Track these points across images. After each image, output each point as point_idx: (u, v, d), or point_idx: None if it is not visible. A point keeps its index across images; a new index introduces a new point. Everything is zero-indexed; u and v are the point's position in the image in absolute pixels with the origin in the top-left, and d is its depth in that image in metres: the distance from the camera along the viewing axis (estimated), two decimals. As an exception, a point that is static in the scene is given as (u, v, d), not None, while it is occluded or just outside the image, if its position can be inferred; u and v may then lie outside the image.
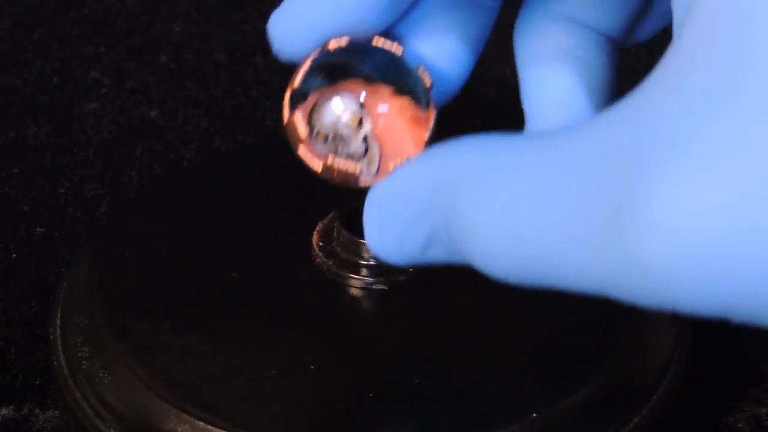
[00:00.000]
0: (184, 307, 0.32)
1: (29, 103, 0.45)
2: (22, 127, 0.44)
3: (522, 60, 0.29)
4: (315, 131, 0.29)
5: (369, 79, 0.29)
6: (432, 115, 0.29)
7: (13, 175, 0.42)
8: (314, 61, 0.28)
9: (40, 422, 0.33)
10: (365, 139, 0.29)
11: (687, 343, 0.32)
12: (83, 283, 0.33)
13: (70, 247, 0.39)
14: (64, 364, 0.31)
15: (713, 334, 0.36)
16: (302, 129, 0.28)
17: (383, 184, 0.28)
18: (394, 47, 0.29)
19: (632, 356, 0.31)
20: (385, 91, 0.29)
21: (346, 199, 0.33)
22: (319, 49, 0.28)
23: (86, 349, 0.31)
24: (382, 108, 0.29)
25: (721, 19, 0.22)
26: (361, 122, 0.29)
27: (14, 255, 0.38)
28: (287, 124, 0.28)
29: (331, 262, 0.32)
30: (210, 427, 0.28)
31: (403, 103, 0.29)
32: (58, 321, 0.32)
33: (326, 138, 0.29)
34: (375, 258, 0.32)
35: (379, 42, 0.29)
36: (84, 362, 0.31)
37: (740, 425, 0.33)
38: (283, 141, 0.41)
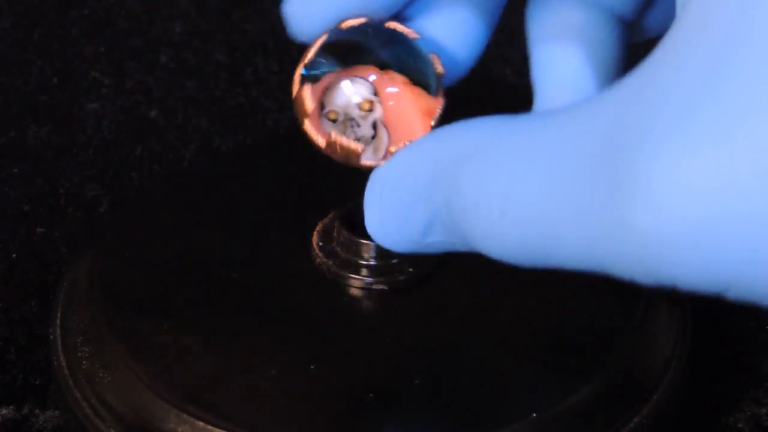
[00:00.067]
0: (184, 307, 0.32)
1: (29, 103, 0.45)
2: (22, 127, 0.44)
3: (533, 39, 0.29)
4: (326, 111, 0.29)
5: (381, 64, 0.29)
6: (441, 103, 0.29)
7: (13, 175, 0.42)
8: (328, 37, 0.28)
9: (40, 422, 0.33)
10: (374, 124, 0.29)
11: (687, 343, 0.32)
12: (83, 283, 0.33)
13: (70, 247, 0.39)
14: (64, 364, 0.31)
15: (713, 334, 0.36)
16: (309, 104, 0.28)
17: (384, 165, 0.28)
18: (409, 32, 0.29)
19: (632, 356, 0.31)
20: (397, 76, 0.29)
21: (346, 199, 0.33)
22: (333, 28, 0.28)
23: (86, 349, 0.31)
24: (392, 94, 0.29)
25: None
26: (372, 107, 0.29)
27: (14, 255, 0.38)
28: (295, 97, 0.28)
29: (331, 262, 0.32)
30: (210, 427, 0.28)
31: (414, 89, 0.29)
32: (58, 321, 0.32)
33: (336, 118, 0.29)
34: (375, 258, 0.32)
35: (393, 25, 0.29)
36: (84, 362, 0.31)
37: (740, 425, 0.33)
38: (283, 141, 0.41)
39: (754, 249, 0.21)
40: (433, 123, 0.29)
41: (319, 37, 0.28)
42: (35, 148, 0.43)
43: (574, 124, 0.23)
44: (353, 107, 0.29)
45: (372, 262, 0.32)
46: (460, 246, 0.26)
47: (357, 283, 0.32)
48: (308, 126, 0.28)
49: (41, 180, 0.41)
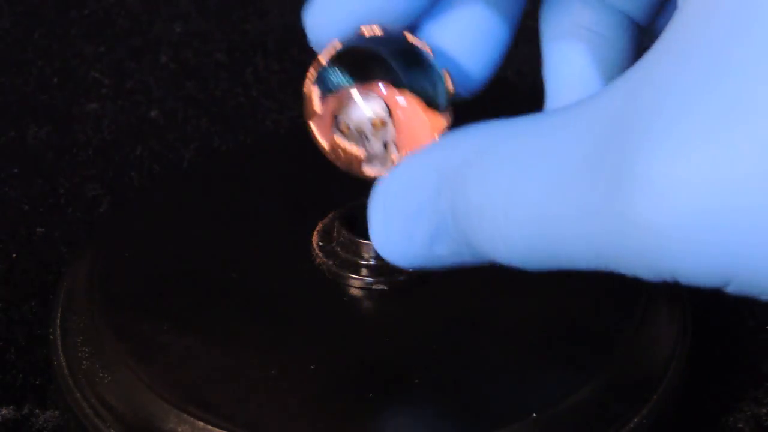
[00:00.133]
0: (184, 307, 0.32)
1: (29, 103, 0.45)
2: (22, 127, 0.44)
3: (545, 39, 0.30)
4: (338, 123, 0.29)
5: (392, 75, 0.29)
6: (448, 119, 0.29)
7: (13, 175, 0.42)
8: (343, 43, 0.29)
9: (40, 422, 0.33)
10: (385, 141, 0.29)
11: (687, 343, 0.32)
12: (83, 283, 0.33)
13: (70, 247, 0.39)
14: (64, 364, 0.31)
15: (713, 334, 0.36)
16: (316, 104, 0.28)
17: (388, 177, 0.28)
18: (423, 46, 0.29)
19: (632, 356, 0.31)
20: (406, 90, 0.29)
21: (346, 199, 0.33)
22: (349, 36, 0.29)
23: (86, 349, 0.31)
24: (400, 106, 0.29)
25: None
26: (384, 125, 0.29)
27: (14, 255, 0.38)
28: (305, 95, 0.29)
29: (331, 262, 0.32)
30: (210, 427, 0.28)
31: (422, 104, 0.29)
32: (58, 321, 0.32)
33: (348, 132, 0.29)
34: (375, 258, 0.32)
35: (408, 37, 0.29)
36: (84, 362, 0.31)
37: (740, 425, 0.33)
38: (283, 141, 0.41)
39: (754, 242, 0.21)
40: (438, 138, 0.29)
41: (336, 39, 0.29)
42: (35, 148, 0.43)
43: (573, 122, 0.24)
44: (366, 123, 0.29)
45: (372, 262, 0.32)
46: (465, 256, 0.26)
47: (357, 283, 0.32)
48: (313, 127, 0.29)
49: (41, 180, 0.41)
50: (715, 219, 0.21)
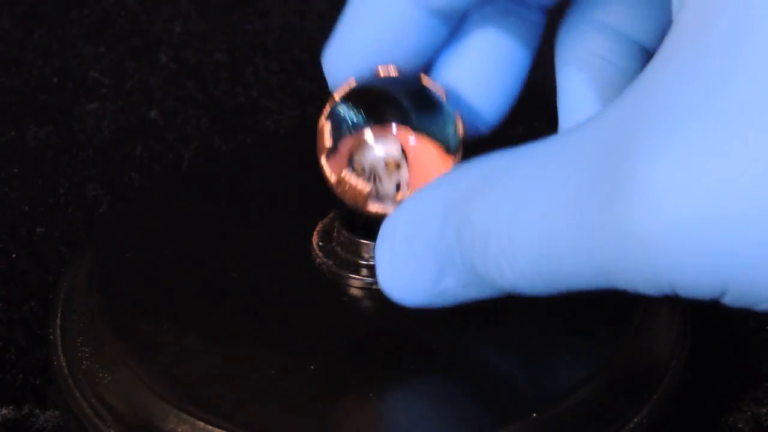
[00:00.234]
0: (184, 307, 0.32)
1: (29, 103, 0.45)
2: (22, 127, 0.44)
3: (559, 63, 0.30)
4: (354, 163, 0.30)
5: (405, 117, 0.30)
6: (458, 161, 0.30)
7: (13, 175, 0.42)
8: (358, 82, 0.29)
9: (40, 422, 0.33)
10: (398, 182, 0.30)
11: (687, 343, 0.32)
12: (83, 283, 0.33)
13: (70, 247, 0.39)
14: (64, 364, 0.31)
15: (713, 334, 0.36)
16: (327, 140, 0.30)
17: (394, 214, 0.28)
18: (437, 88, 0.30)
19: (632, 356, 0.31)
20: (419, 133, 0.30)
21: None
22: (366, 75, 0.30)
23: (86, 349, 0.31)
24: (414, 150, 0.30)
25: (713, 3, 0.22)
26: (398, 167, 0.30)
27: (14, 255, 0.38)
28: (318, 130, 0.30)
29: (331, 262, 0.32)
30: (210, 427, 0.28)
31: (432, 145, 0.30)
32: (58, 321, 0.32)
33: (362, 172, 0.30)
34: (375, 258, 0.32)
35: (423, 80, 0.30)
36: (84, 362, 0.31)
37: (740, 425, 0.33)
38: (283, 141, 0.41)
39: (748, 252, 0.21)
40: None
41: (352, 77, 0.30)
42: (35, 148, 0.43)
43: (575, 142, 0.24)
44: (380, 164, 0.30)
45: (372, 262, 0.32)
46: (472, 287, 0.27)
47: (357, 283, 0.32)
48: (323, 161, 0.30)
49: (41, 180, 0.41)
50: (712, 229, 0.21)
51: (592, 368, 0.30)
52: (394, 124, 0.30)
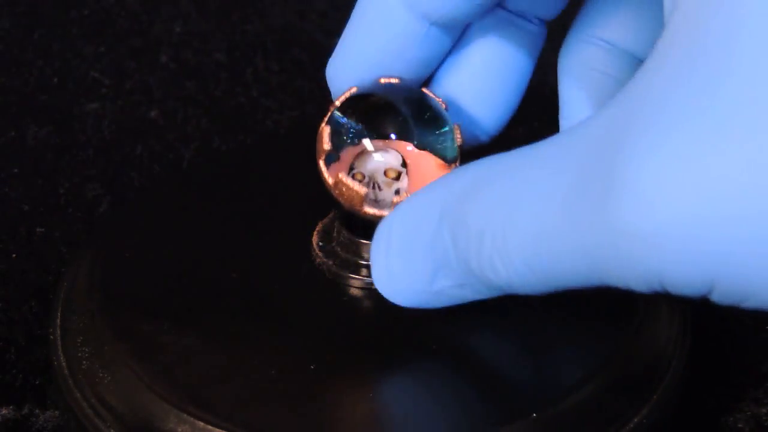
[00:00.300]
0: (184, 307, 0.32)
1: (29, 103, 0.45)
2: (22, 127, 0.44)
3: (561, 76, 0.31)
4: (353, 172, 0.30)
5: (404, 126, 0.31)
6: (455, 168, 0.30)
7: (13, 175, 0.42)
8: (360, 89, 0.30)
9: (40, 422, 0.33)
10: (397, 190, 0.31)
11: (687, 344, 0.32)
12: (83, 283, 0.33)
13: (70, 247, 0.39)
14: (64, 364, 0.31)
15: (713, 334, 0.36)
16: (326, 143, 0.30)
17: (390, 216, 0.29)
18: (438, 98, 0.31)
19: (632, 356, 0.31)
20: (417, 141, 0.30)
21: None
22: (367, 84, 0.31)
23: (86, 349, 0.31)
24: (412, 158, 0.31)
25: (703, 5, 0.22)
26: (398, 177, 0.30)
27: (14, 255, 0.38)
28: (318, 134, 0.30)
29: (331, 262, 0.32)
30: (210, 427, 0.28)
31: (432, 157, 0.31)
32: (58, 321, 0.32)
33: (361, 180, 0.30)
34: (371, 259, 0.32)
35: (423, 89, 0.31)
36: (84, 362, 0.31)
37: (740, 425, 0.33)
38: (283, 141, 0.41)
39: (735, 251, 0.22)
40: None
41: (352, 87, 0.31)
42: (35, 148, 0.43)
43: (568, 142, 0.25)
44: (380, 173, 0.30)
45: (372, 262, 0.32)
46: (466, 288, 0.27)
47: (357, 283, 0.32)
48: (321, 164, 0.30)
49: (41, 180, 0.41)
50: (700, 228, 0.22)
51: (592, 368, 0.30)
52: (393, 134, 0.30)
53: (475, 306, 0.32)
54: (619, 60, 0.31)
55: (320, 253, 0.33)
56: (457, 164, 0.31)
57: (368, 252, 0.32)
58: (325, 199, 0.32)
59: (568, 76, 0.31)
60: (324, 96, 0.31)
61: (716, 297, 0.23)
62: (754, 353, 0.35)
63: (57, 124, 0.44)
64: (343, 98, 0.30)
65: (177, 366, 0.30)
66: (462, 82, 0.32)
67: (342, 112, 0.30)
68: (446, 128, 0.30)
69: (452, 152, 0.31)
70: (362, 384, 0.30)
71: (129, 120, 0.44)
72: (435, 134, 0.31)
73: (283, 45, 0.48)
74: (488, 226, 0.25)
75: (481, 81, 0.32)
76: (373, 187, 0.30)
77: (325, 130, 0.30)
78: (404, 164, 0.30)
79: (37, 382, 0.34)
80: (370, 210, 0.30)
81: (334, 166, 0.30)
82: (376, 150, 0.30)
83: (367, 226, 0.31)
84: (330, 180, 0.30)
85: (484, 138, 0.32)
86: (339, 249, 0.33)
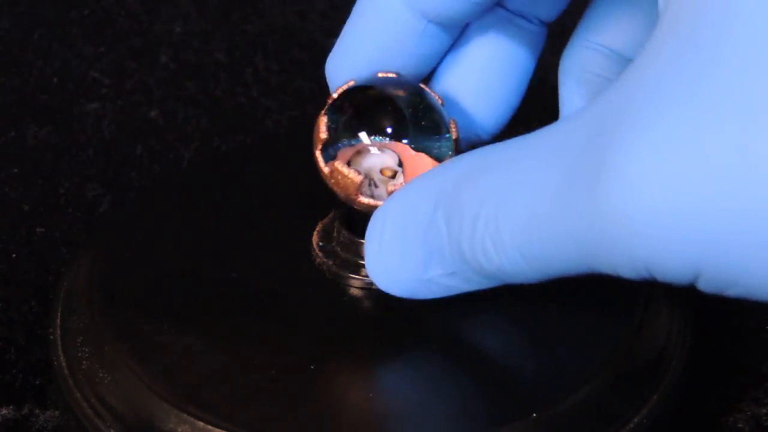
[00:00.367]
0: (184, 307, 0.32)
1: (29, 103, 0.45)
2: (22, 127, 0.44)
3: (562, 78, 0.32)
4: (351, 169, 0.30)
5: (400, 119, 0.31)
6: None
7: (13, 175, 0.42)
8: (357, 82, 0.30)
9: (40, 422, 0.33)
10: (393, 185, 0.31)
11: (687, 344, 0.32)
12: (83, 283, 0.33)
13: (70, 247, 0.39)
14: (64, 364, 0.31)
15: (713, 334, 0.36)
16: (323, 133, 0.30)
17: (385, 205, 0.29)
18: (434, 94, 0.31)
19: (632, 356, 0.31)
20: (413, 137, 0.31)
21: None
22: (366, 77, 0.31)
23: (86, 349, 0.31)
24: (408, 153, 0.31)
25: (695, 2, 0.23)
26: (394, 176, 0.31)
27: (14, 255, 0.38)
28: (315, 124, 0.30)
29: (331, 262, 0.32)
30: (210, 427, 0.28)
31: (428, 152, 0.31)
32: (58, 321, 0.32)
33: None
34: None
35: (421, 85, 0.31)
36: (84, 362, 0.31)
37: (740, 425, 0.33)
38: (283, 141, 0.41)
39: (720, 239, 0.22)
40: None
41: (351, 78, 0.31)
42: (35, 148, 0.43)
43: (561, 131, 0.25)
44: (376, 171, 0.30)
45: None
46: (459, 276, 0.28)
47: (357, 283, 0.32)
48: (318, 153, 0.30)
49: (41, 180, 0.41)
50: (686, 216, 0.22)
51: (592, 368, 0.30)
52: (390, 128, 0.30)
53: (475, 306, 0.32)
54: (617, 64, 0.31)
55: (320, 253, 0.33)
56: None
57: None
58: (325, 199, 0.32)
59: (569, 79, 0.32)
60: (324, 95, 0.31)
61: (702, 285, 0.23)
62: (754, 353, 0.35)
63: (57, 124, 0.44)
64: (340, 90, 0.30)
65: (177, 366, 0.30)
66: (462, 80, 0.32)
67: (339, 105, 0.30)
68: (443, 123, 0.31)
69: (448, 147, 0.31)
70: (362, 384, 0.30)
71: (129, 120, 0.44)
72: (431, 129, 0.31)
73: (283, 45, 0.48)
74: (482, 212, 0.26)
75: (481, 78, 0.32)
76: (369, 185, 0.30)
77: (322, 120, 0.30)
78: (400, 164, 0.31)
79: (37, 382, 0.34)
80: (365, 199, 0.30)
81: (327, 150, 0.30)
82: (372, 145, 0.30)
83: (367, 226, 0.31)
84: (326, 169, 0.30)
85: (485, 136, 0.32)
86: (339, 249, 0.33)
